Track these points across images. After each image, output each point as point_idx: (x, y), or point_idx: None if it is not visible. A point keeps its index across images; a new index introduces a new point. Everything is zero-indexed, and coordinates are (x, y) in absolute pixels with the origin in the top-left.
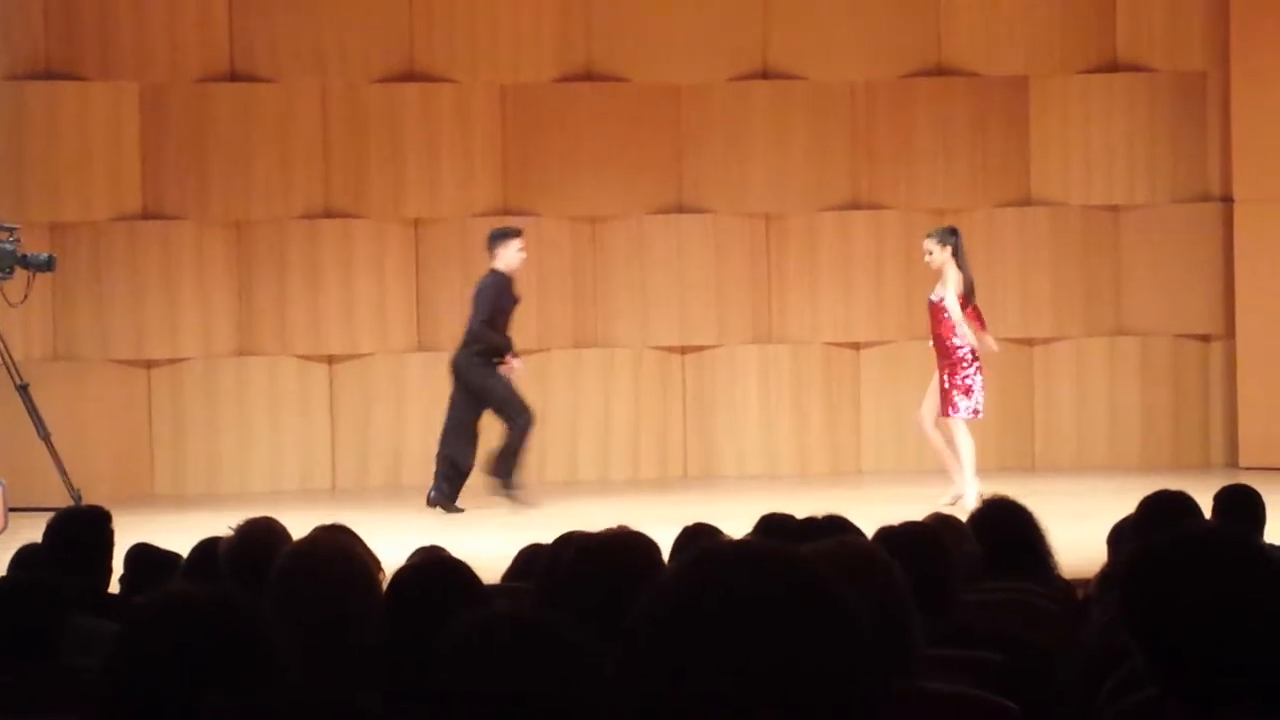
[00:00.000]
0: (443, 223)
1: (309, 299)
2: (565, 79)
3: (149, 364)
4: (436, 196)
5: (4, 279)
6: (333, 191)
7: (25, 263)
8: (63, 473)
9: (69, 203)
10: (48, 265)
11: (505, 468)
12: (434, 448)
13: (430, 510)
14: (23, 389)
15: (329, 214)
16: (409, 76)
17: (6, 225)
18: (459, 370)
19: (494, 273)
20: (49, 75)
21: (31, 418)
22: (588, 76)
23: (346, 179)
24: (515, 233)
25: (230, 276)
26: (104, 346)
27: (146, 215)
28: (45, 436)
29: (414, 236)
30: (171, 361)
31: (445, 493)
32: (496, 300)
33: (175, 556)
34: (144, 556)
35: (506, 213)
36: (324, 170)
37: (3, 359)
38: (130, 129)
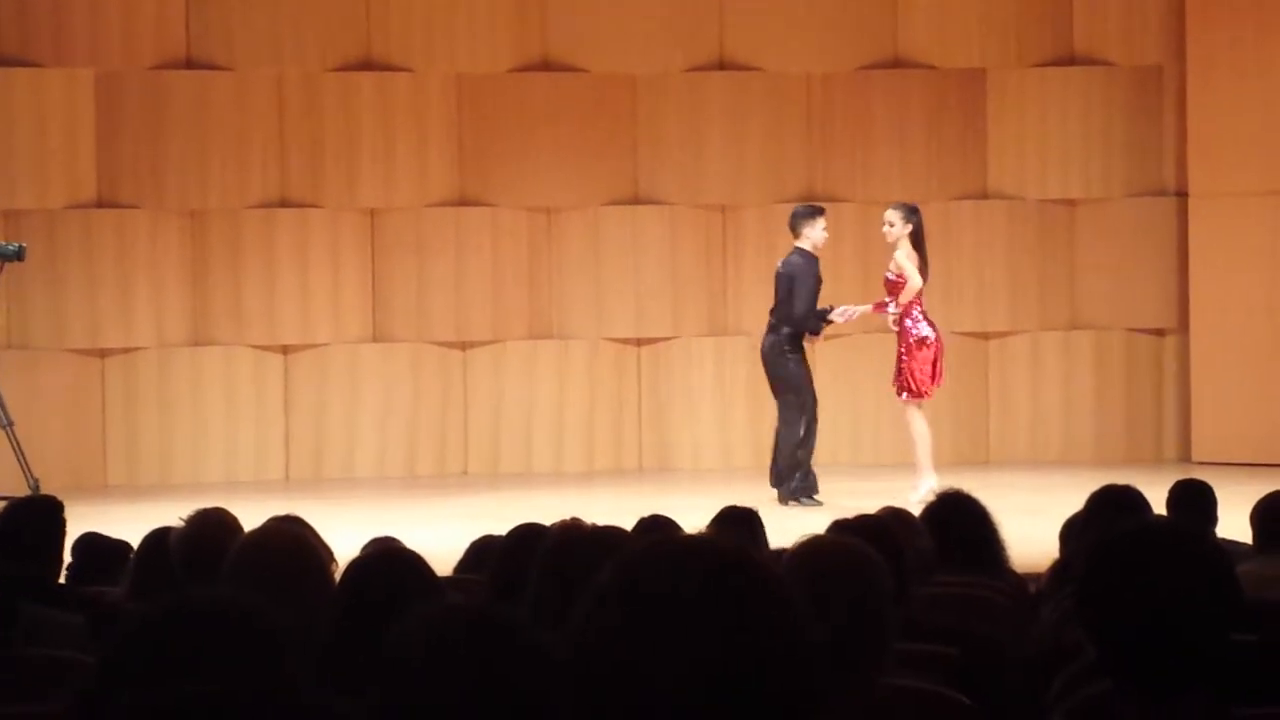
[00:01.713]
0: (398, 212)
1: (264, 288)
2: (521, 69)
3: (103, 353)
4: (392, 186)
5: None
6: (288, 180)
7: None
8: (23, 462)
9: (23, 190)
10: (18, 255)
11: (784, 472)
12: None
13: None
14: None
15: (285, 203)
16: (365, 66)
17: None
18: (766, 357)
19: (800, 252)
20: (2, 62)
21: None
22: (544, 67)
23: (302, 168)
24: (820, 210)
25: (185, 265)
26: (58, 335)
27: (101, 203)
28: (7, 425)
29: (370, 226)
30: (125, 351)
31: (793, 486)
32: (812, 282)
33: (124, 545)
34: (92, 545)
35: (462, 203)
36: (280, 159)
37: None
38: (85, 116)
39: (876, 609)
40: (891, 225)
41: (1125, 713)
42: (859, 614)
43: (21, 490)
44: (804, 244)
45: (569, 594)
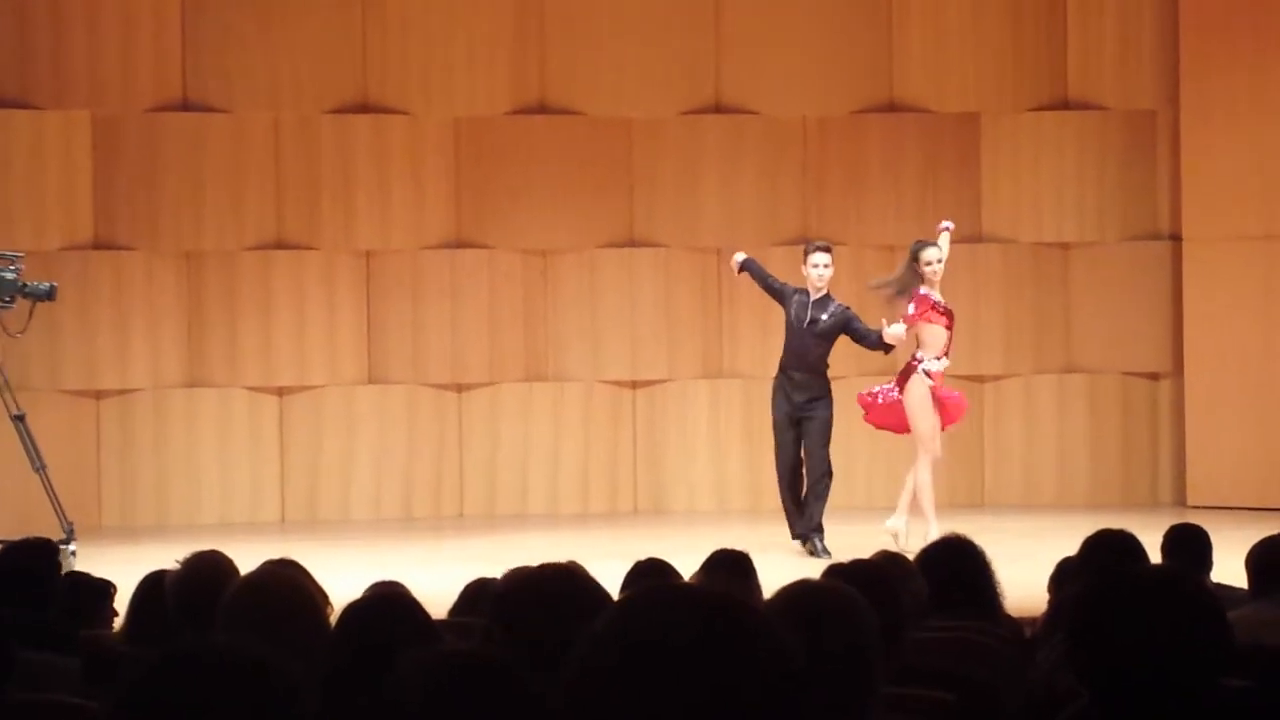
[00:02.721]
0: (394, 254)
1: (260, 330)
2: (518, 112)
3: (98, 394)
4: (388, 228)
5: (4, 308)
6: (284, 222)
7: (26, 292)
8: (56, 506)
9: (20, 231)
10: (49, 295)
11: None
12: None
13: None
14: (18, 419)
15: (280, 245)
16: (362, 108)
17: (8, 254)
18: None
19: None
20: (1, 103)
21: (26, 449)
22: (540, 110)
23: (298, 210)
24: (810, 248)
25: (181, 307)
26: (53, 376)
27: (98, 245)
28: (40, 469)
29: (365, 268)
30: (121, 392)
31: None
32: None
33: (108, 584)
34: (77, 585)
35: (459, 245)
36: (276, 201)
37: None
38: (82, 158)
39: (862, 653)
40: (941, 262)
41: None
42: (844, 658)
43: (55, 534)
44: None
45: (561, 638)
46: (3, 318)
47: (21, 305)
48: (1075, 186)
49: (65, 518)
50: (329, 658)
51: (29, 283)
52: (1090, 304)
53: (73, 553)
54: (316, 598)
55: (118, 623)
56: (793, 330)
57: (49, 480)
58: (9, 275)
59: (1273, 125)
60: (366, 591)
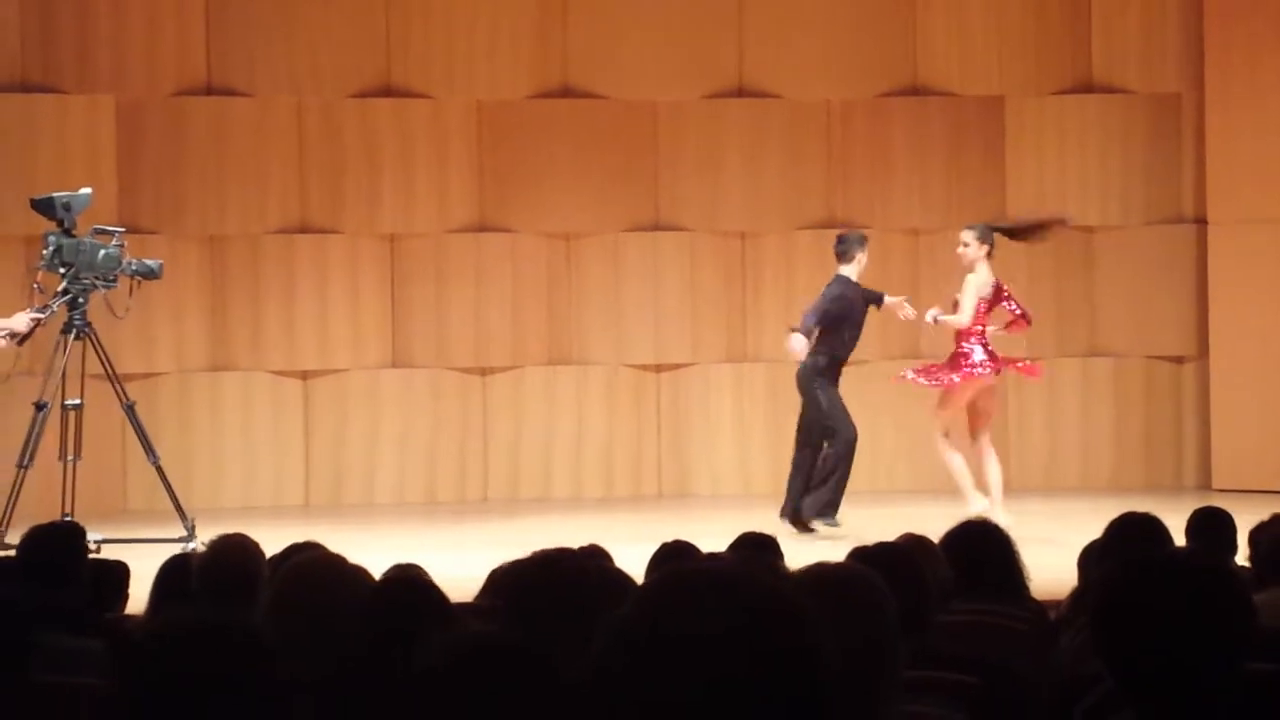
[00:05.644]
0: (418, 238)
1: (283, 314)
2: (541, 96)
3: (123, 378)
4: (412, 212)
5: (109, 288)
6: (308, 206)
7: (134, 270)
8: (175, 501)
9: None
10: (154, 273)
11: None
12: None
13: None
14: (129, 409)
15: (304, 229)
16: (385, 92)
17: (108, 229)
18: (799, 380)
19: (841, 278)
20: (25, 88)
21: (140, 440)
22: (564, 93)
23: (322, 194)
24: (866, 238)
25: (205, 291)
26: (76, 360)
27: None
28: (155, 462)
29: (389, 252)
30: (145, 376)
31: (796, 509)
32: (841, 305)
33: (122, 566)
34: (97, 569)
35: (482, 229)
36: (299, 185)
37: (108, 376)
38: (106, 142)
39: (879, 637)
40: (966, 246)
41: None
42: (861, 642)
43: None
44: (852, 269)
45: (574, 623)
46: (108, 298)
47: (123, 284)
48: (1099, 170)
49: (185, 515)
50: (352, 638)
51: (134, 260)
52: (1114, 288)
53: (193, 550)
54: (363, 577)
55: (130, 606)
56: (859, 322)
57: (163, 471)
58: (111, 251)
59: None
60: (385, 574)
